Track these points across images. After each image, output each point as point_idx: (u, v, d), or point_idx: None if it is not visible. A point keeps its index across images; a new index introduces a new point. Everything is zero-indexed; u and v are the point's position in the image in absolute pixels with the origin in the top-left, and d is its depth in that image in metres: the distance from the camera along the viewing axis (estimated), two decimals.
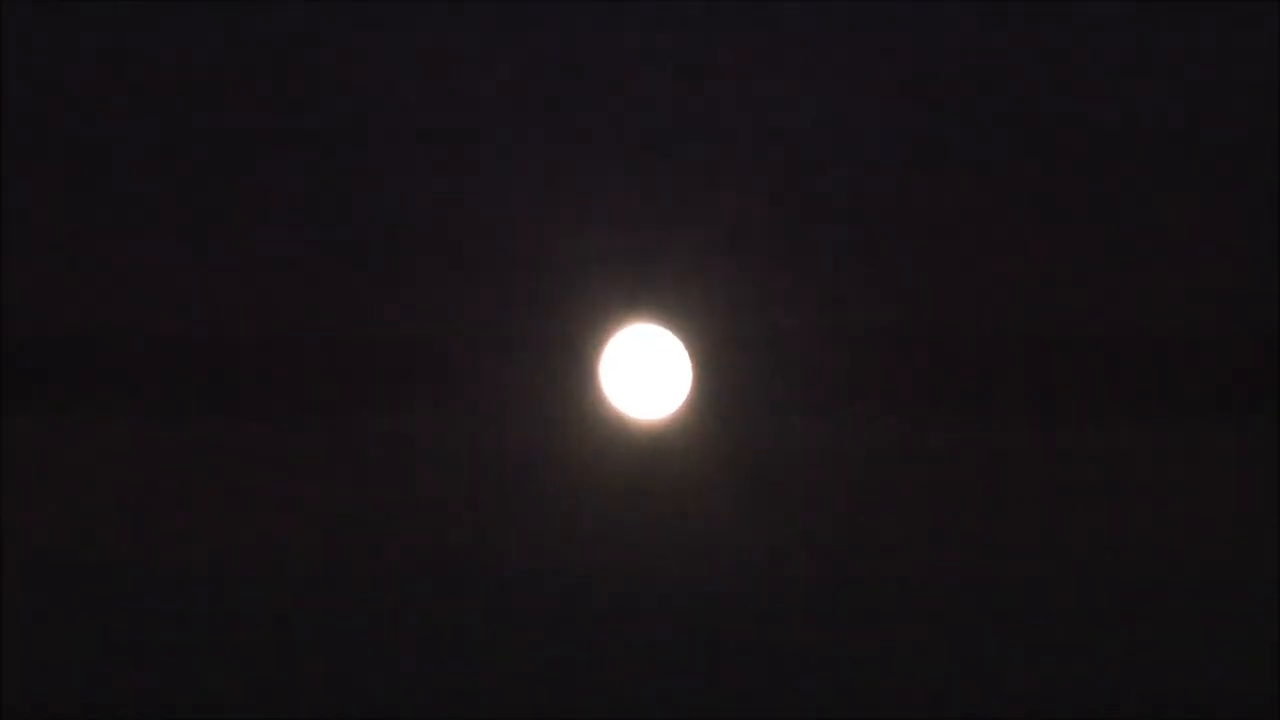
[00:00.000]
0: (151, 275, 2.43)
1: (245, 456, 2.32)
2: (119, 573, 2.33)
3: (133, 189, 2.37)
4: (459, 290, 2.31)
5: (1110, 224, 2.27)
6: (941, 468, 2.29)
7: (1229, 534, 2.32)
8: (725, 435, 2.30)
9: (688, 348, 2.31)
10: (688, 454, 2.29)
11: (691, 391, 2.29)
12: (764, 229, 2.29)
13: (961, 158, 2.34)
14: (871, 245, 2.34)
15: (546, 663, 2.20)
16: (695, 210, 2.28)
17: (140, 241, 2.40)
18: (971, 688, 2.28)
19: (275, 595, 2.28)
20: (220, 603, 2.32)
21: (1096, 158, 2.28)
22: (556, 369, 2.25)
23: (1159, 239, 2.31)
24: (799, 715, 2.25)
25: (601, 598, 2.21)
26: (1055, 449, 2.36)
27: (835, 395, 2.35)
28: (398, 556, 2.26)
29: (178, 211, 2.37)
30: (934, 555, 2.26)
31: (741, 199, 2.29)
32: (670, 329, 2.27)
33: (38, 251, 2.38)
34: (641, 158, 2.29)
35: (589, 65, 2.28)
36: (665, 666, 2.18)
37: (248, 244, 2.34)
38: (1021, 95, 2.30)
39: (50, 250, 2.40)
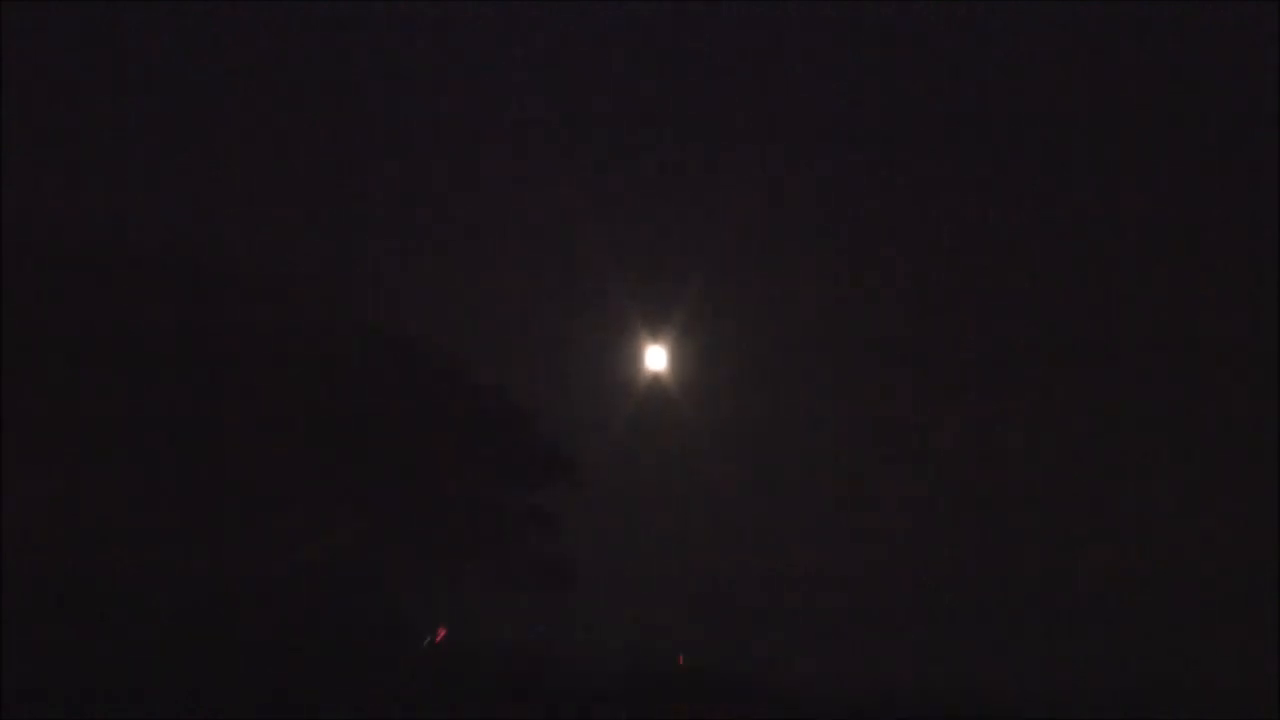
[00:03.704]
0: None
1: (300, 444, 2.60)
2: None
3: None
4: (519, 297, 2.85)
5: (1106, 228, 2.27)
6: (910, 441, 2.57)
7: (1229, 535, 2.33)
8: (704, 405, 3.04)
9: (688, 342, 2.83)
10: (684, 412, 3.11)
11: (687, 373, 3.01)
12: (766, 244, 2.42)
13: (952, 164, 2.35)
14: (848, 252, 2.45)
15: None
16: (712, 230, 2.47)
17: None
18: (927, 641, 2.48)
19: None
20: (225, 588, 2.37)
21: (1087, 162, 2.29)
22: (602, 354, 2.98)
23: (1156, 240, 2.32)
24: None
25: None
26: (1022, 444, 2.41)
27: (795, 376, 2.93)
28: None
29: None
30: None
31: (753, 216, 2.40)
32: (673, 328, 2.65)
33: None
34: (673, 183, 2.50)
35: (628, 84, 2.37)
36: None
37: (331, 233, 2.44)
38: (1009, 101, 2.30)
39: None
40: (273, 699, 16.09)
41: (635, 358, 19.70)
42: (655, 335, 19.51)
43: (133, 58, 21.73)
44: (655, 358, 19.51)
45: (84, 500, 18.71)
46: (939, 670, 19.53)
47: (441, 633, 18.46)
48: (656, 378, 19.45)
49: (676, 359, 19.50)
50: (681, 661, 18.44)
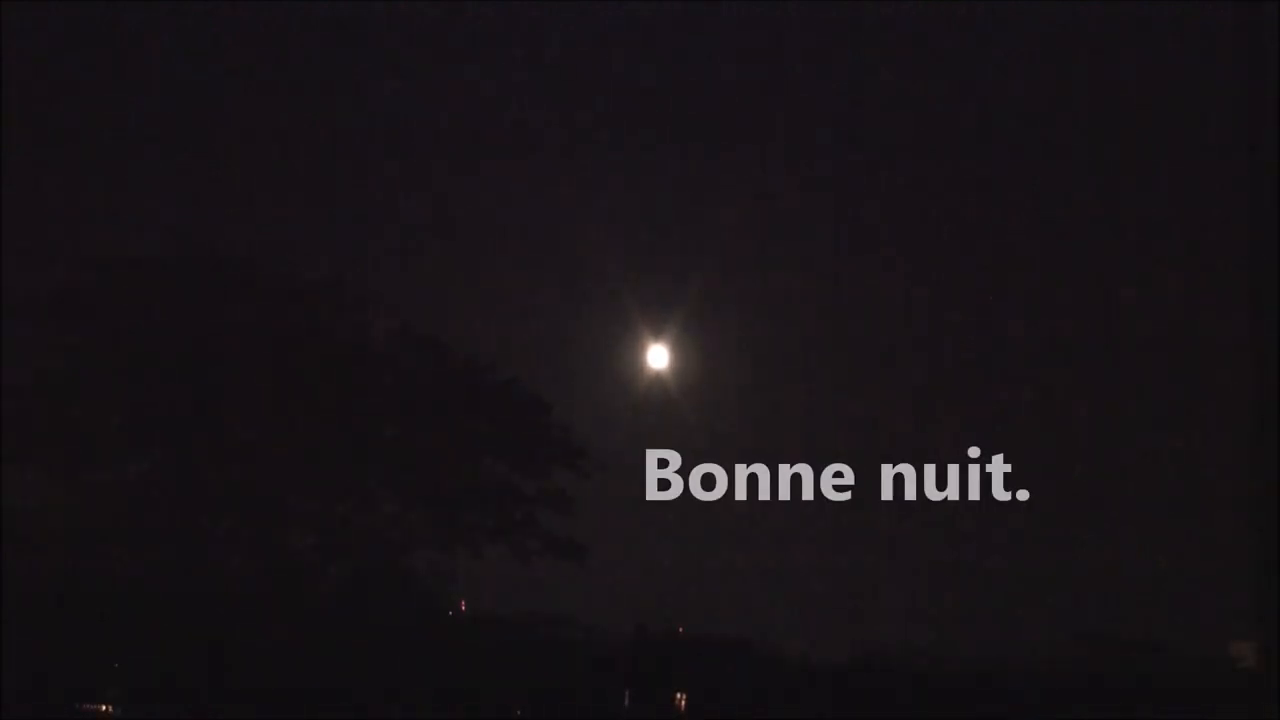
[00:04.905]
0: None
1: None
2: None
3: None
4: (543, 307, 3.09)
5: (1106, 228, 2.30)
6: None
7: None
8: (704, 401, 3.29)
9: (688, 340, 3.02)
10: (682, 404, 3.39)
11: (688, 370, 3.28)
12: (766, 244, 2.44)
13: (952, 164, 2.37)
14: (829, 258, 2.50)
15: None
16: (712, 230, 2.50)
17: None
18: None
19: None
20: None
21: (1087, 162, 2.31)
22: (610, 353, 3.27)
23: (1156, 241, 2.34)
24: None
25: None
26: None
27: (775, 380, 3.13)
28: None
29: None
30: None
31: (750, 221, 2.43)
32: (675, 326, 2.81)
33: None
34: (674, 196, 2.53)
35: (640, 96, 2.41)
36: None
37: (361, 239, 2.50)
38: (1009, 101, 2.33)
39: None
40: (293, 676, 16.31)
41: (638, 355, 19.89)
42: (657, 334, 19.66)
43: (133, 58, 21.74)
44: (657, 356, 19.66)
45: (85, 500, 18.75)
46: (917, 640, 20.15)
47: (463, 604, 19.18)
48: (658, 375, 19.60)
49: (677, 357, 19.59)
50: (681, 630, 18.97)
